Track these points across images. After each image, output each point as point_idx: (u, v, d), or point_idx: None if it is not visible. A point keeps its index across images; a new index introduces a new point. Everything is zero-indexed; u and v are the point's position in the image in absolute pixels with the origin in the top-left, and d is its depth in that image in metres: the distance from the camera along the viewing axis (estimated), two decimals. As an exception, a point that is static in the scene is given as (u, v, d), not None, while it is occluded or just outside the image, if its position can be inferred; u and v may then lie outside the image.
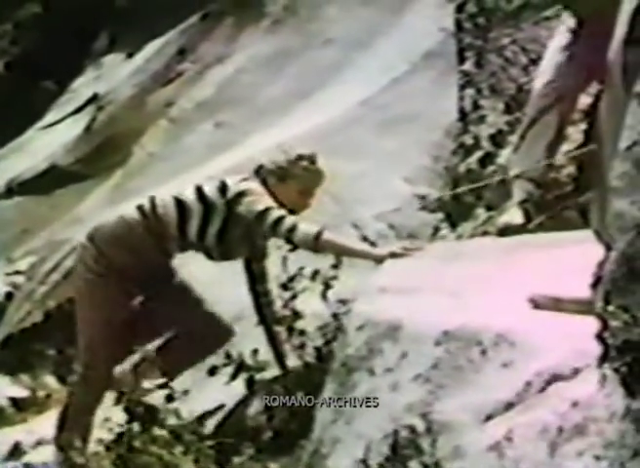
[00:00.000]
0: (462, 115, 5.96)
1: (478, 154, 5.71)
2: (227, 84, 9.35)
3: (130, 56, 11.15)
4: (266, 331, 4.68)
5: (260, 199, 4.47)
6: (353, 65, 8.43)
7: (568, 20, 4.91)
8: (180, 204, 4.63)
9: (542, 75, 4.83)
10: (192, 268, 4.98)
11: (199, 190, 4.64)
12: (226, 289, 5.14)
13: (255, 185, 4.55)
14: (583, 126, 4.81)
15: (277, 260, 4.87)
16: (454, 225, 5.16)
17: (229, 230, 4.56)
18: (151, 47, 10.82)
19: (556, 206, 4.70)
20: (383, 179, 6.40)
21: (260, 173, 4.69)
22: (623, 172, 2.79)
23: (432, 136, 4.92)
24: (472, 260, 4.03)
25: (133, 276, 4.62)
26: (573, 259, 3.46)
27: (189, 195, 4.66)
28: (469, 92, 5.95)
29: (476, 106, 5.91)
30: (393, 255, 4.08)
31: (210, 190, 4.62)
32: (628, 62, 3.03)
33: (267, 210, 4.43)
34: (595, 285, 2.91)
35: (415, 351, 3.18)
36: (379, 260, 4.12)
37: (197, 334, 4.61)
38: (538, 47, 5.56)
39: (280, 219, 4.39)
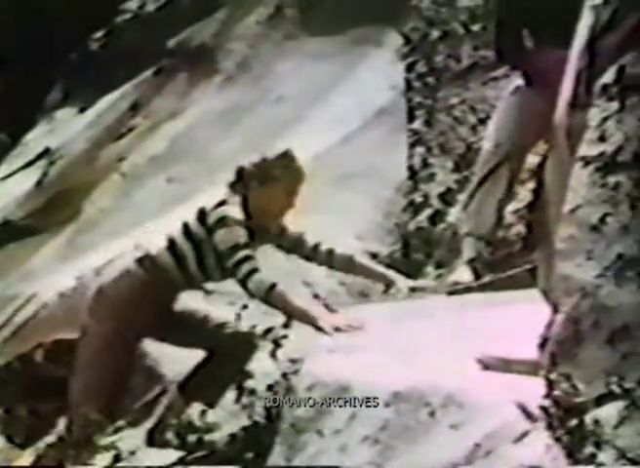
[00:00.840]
0: (412, 173, 6.02)
1: (428, 212, 5.76)
2: (180, 139, 9.35)
3: (82, 110, 11.13)
4: None
5: (231, 232, 4.42)
6: (306, 121, 8.47)
7: (516, 81, 4.99)
8: (171, 246, 4.64)
9: (491, 135, 4.90)
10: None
11: (185, 226, 4.65)
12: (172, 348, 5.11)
13: (231, 211, 4.49)
14: (532, 185, 4.86)
15: (230, 317, 4.85)
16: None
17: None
18: (104, 101, 10.81)
19: (505, 264, 4.74)
20: (335, 236, 6.40)
21: (242, 176, 4.64)
22: (569, 235, 2.82)
23: (384, 193, 4.96)
24: (422, 319, 4.05)
25: (143, 325, 4.71)
26: (522, 319, 3.48)
27: (177, 234, 4.67)
28: (419, 150, 6.01)
29: (426, 164, 5.98)
30: (337, 329, 4.10)
31: (192, 223, 4.64)
32: (572, 126, 3.09)
33: (234, 247, 4.41)
34: (543, 346, 2.94)
35: (364, 412, 3.18)
36: (319, 329, 4.16)
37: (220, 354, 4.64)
38: (486, 107, 5.64)
39: (241, 262, 4.39)
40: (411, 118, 5.94)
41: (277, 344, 4.58)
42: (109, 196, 9.35)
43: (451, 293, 4.62)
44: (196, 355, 4.86)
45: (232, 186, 4.66)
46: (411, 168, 6.01)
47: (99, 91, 10.94)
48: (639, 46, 2.97)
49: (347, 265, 4.73)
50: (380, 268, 4.76)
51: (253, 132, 8.75)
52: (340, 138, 7.65)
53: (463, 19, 6.05)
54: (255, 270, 4.39)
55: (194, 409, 4.32)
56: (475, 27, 5.83)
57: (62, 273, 7.90)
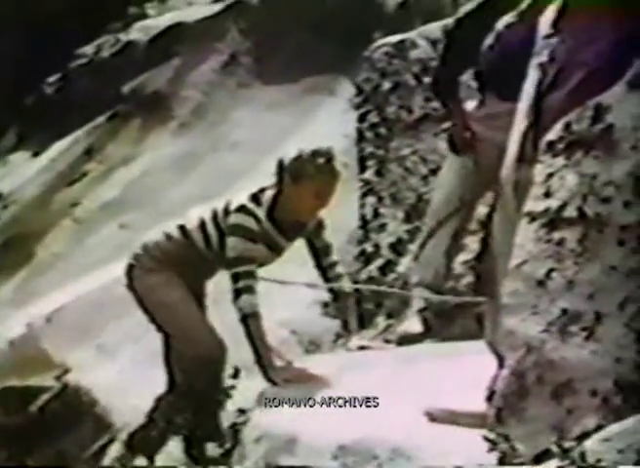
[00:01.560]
0: (364, 223, 6.06)
1: (379, 262, 5.79)
2: (133, 185, 9.34)
3: (36, 154, 11.09)
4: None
5: (238, 242, 4.38)
6: (260, 169, 8.49)
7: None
8: (202, 225, 4.63)
9: (441, 185, 4.94)
10: (92, 377, 4.92)
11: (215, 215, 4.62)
12: (129, 397, 5.08)
13: (245, 220, 4.41)
14: (481, 236, 4.90)
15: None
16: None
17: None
18: (58, 146, 10.78)
19: (455, 315, 4.77)
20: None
21: (279, 172, 4.52)
22: (514, 289, 2.85)
23: (336, 242, 4.97)
24: (370, 370, 4.05)
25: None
26: (470, 370, 3.50)
27: (207, 217, 4.64)
28: (370, 200, 6.05)
29: (377, 214, 6.01)
30: (286, 381, 4.10)
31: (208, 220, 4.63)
32: (519, 181, 3.13)
33: (236, 259, 4.37)
34: (490, 399, 2.95)
35: (311, 465, 3.17)
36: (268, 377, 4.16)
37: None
38: (437, 158, 5.69)
39: (241, 276, 4.35)
40: (362, 168, 5.98)
41: (226, 394, 4.57)
42: (62, 241, 9.31)
43: (400, 344, 4.64)
44: (147, 404, 4.83)
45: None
46: (362, 217, 6.04)
47: (53, 135, 10.91)
48: (583, 103, 3.03)
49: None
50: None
51: (207, 179, 8.77)
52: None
53: (415, 70, 6.12)
54: (250, 289, 4.35)
55: (142, 460, 4.29)
56: (427, 79, 5.89)
57: (13, 319, 7.85)
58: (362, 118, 6.29)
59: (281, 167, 4.49)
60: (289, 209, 4.50)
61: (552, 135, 3.00)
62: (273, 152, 8.60)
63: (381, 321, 5.16)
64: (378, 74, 6.25)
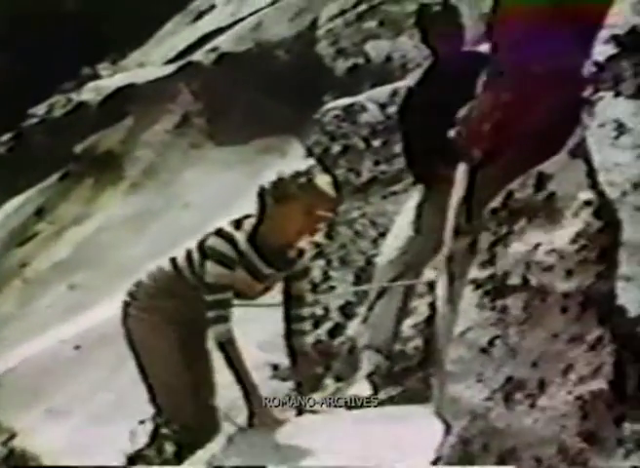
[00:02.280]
0: (313, 285, 6.06)
1: (328, 325, 5.79)
2: (84, 245, 9.32)
3: (-13, 214, 11.05)
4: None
5: (214, 267, 4.27)
6: (212, 227, 8.50)
7: (415, 196, 5.09)
8: (188, 254, 4.54)
9: (390, 248, 4.96)
10: (40, 441, 4.86)
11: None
12: (83, 458, 5.02)
13: (218, 244, 4.29)
14: (429, 299, 4.93)
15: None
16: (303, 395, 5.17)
17: None
18: (9, 206, 10.75)
19: (403, 378, 4.77)
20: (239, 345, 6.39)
21: (261, 194, 4.41)
22: (458, 356, 2.87)
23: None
24: (319, 434, 4.04)
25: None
26: (418, 435, 3.50)
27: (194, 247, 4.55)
28: (319, 262, 6.07)
29: (326, 277, 6.03)
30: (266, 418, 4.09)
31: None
32: (454, 251, 3.16)
33: (211, 286, 4.29)
34: (435, 463, 2.96)
35: None
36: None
37: None
38: (386, 220, 5.73)
39: (216, 304, 4.29)
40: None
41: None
42: (11, 302, 9.24)
43: (349, 407, 4.62)
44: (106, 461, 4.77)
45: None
46: (311, 280, 6.05)
47: (4, 195, 10.87)
48: (526, 171, 3.08)
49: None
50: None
51: (158, 239, 8.75)
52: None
53: (364, 133, 6.17)
54: (223, 319, 4.29)
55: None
56: (376, 143, 5.95)
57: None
58: (312, 181, 6.31)
59: (262, 192, 4.38)
60: (274, 232, 4.38)
61: (496, 202, 3.04)
62: (225, 212, 8.65)
63: (331, 384, 5.16)
64: (327, 137, 6.30)
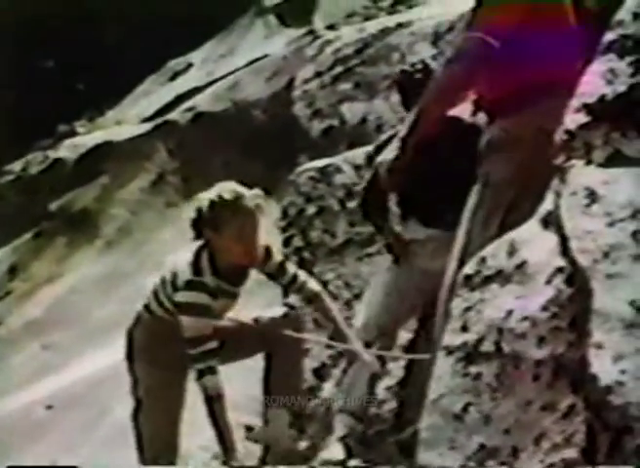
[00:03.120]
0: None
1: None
2: (57, 304, 9.27)
3: (-41, 272, 10.99)
4: None
5: (193, 322, 4.23)
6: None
7: (388, 257, 5.10)
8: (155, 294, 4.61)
9: (364, 311, 4.96)
10: None
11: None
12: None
13: (195, 298, 4.24)
14: (404, 362, 4.92)
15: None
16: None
17: None
18: (-19, 264, 10.71)
19: (378, 441, 4.74)
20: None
21: (196, 226, 4.37)
22: (431, 423, 2.86)
23: (259, 365, 4.95)
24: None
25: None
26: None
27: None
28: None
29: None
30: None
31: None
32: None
33: (194, 340, 4.25)
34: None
35: None
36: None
37: None
38: (360, 282, 5.73)
39: (198, 357, 4.28)
40: (286, 293, 5.98)
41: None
42: (-17, 361, 9.17)
43: (323, 471, 4.59)
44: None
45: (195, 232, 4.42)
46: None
47: (-24, 253, 10.83)
48: (499, 236, 3.11)
49: (315, 301, 4.65)
50: (343, 327, 4.59)
51: (132, 298, 8.71)
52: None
53: (339, 195, 6.19)
54: (212, 370, 4.26)
55: None
56: (351, 204, 5.96)
57: None
58: (286, 242, 6.32)
59: (196, 223, 4.36)
60: (224, 258, 4.33)
61: (469, 268, 3.06)
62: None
63: (302, 445, 5.11)
64: (302, 198, 6.31)
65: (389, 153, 4.21)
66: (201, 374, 4.25)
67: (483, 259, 3.02)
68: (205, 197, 4.32)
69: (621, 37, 3.00)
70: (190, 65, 12.47)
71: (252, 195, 4.36)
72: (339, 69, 8.12)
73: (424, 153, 4.84)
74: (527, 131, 3.30)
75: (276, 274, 4.67)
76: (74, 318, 8.87)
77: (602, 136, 2.89)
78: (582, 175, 2.87)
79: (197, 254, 4.40)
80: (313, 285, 4.69)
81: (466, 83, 3.74)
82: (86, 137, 11.59)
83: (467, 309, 2.96)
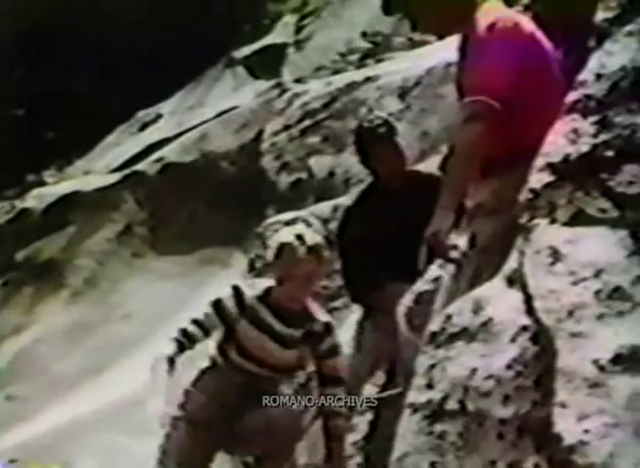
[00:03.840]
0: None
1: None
2: (22, 356, 9.18)
3: None
4: None
5: None
6: (151, 340, 8.43)
7: (356, 312, 5.11)
8: None
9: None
10: None
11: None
12: None
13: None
14: (370, 417, 4.90)
15: None
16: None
17: None
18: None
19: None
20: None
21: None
22: (397, 483, 2.85)
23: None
24: None
25: None
26: None
27: None
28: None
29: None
30: None
31: None
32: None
33: None
34: None
35: None
36: None
37: None
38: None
39: None
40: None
41: None
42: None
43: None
44: None
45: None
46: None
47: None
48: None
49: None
50: None
51: (97, 349, 8.67)
52: (186, 359, 7.61)
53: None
54: None
55: None
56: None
57: None
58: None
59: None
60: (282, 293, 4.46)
61: (434, 326, 3.06)
62: (166, 324, 8.59)
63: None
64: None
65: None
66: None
67: (449, 317, 3.02)
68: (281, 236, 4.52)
69: (585, 97, 3.04)
70: (160, 116, 12.49)
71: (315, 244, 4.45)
72: (307, 122, 8.16)
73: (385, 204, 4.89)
74: (516, 192, 3.31)
75: (326, 353, 4.59)
76: (39, 369, 8.79)
77: (566, 196, 2.91)
78: (546, 233, 2.89)
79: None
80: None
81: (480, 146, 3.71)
82: (54, 187, 11.56)
83: (432, 366, 2.96)
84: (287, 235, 4.49)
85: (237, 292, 4.47)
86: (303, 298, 4.53)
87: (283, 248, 4.41)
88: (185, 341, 4.45)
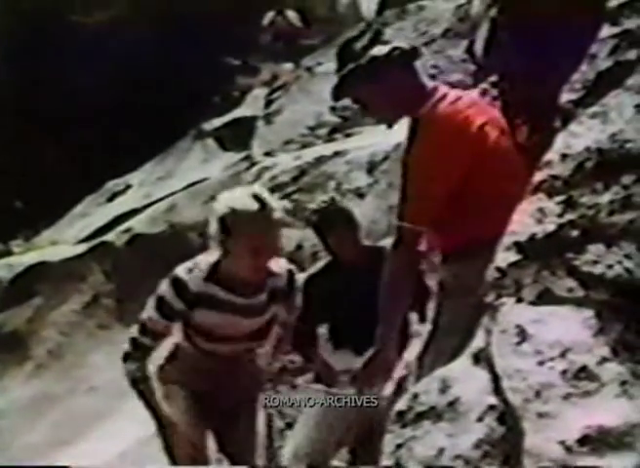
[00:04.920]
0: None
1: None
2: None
3: None
4: None
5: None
6: (116, 414, 8.34)
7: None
8: None
9: (292, 440, 4.92)
10: None
11: None
12: None
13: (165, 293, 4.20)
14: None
15: None
16: None
17: None
18: None
19: None
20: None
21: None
22: None
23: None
24: None
25: None
26: None
27: None
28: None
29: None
30: None
31: None
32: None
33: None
34: None
35: None
36: None
37: None
38: (294, 412, 5.69)
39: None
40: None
41: None
42: None
43: None
44: None
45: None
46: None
47: None
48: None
49: None
50: None
51: (61, 423, 8.56)
52: (152, 434, 7.51)
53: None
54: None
55: None
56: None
57: None
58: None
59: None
60: (232, 266, 4.20)
61: (401, 405, 3.04)
62: (131, 398, 8.51)
63: None
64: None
65: None
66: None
67: (415, 396, 3.01)
68: (228, 201, 4.15)
69: (550, 177, 3.07)
70: (129, 187, 12.49)
71: (277, 207, 4.19)
72: (275, 196, 8.18)
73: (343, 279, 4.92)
74: (477, 277, 3.34)
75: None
76: (1, 443, 8.65)
77: (532, 275, 2.92)
78: (513, 312, 2.89)
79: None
80: None
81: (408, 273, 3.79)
82: (21, 257, 11.49)
83: (399, 446, 2.94)
84: (237, 200, 4.13)
85: (177, 284, 4.21)
86: (266, 265, 4.25)
87: (236, 214, 4.08)
88: (138, 354, 4.32)
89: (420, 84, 3.81)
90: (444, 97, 3.73)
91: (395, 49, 3.80)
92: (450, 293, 3.64)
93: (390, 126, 3.88)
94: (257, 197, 4.13)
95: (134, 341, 4.33)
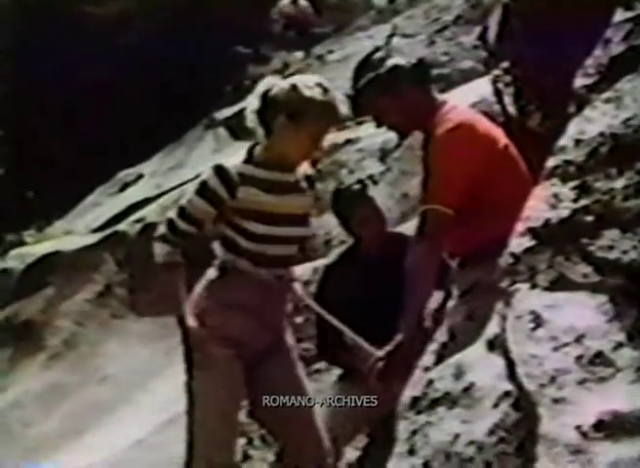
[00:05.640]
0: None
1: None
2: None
3: None
4: None
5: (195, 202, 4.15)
6: (130, 403, 8.36)
7: (336, 372, 5.10)
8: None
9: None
10: None
11: None
12: None
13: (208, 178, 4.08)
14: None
15: None
16: None
17: None
18: None
19: None
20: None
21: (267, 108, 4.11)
22: None
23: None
24: None
25: None
26: None
27: None
28: (240, 441, 5.94)
29: (246, 457, 5.92)
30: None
31: None
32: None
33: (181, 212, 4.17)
34: None
35: None
36: None
37: None
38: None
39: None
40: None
41: None
42: None
43: None
44: None
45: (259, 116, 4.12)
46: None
47: None
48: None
49: None
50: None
51: (74, 413, 8.57)
52: (166, 421, 7.54)
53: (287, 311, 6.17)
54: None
55: None
56: (298, 320, 5.95)
57: None
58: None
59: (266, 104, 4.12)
60: (275, 158, 4.14)
61: (416, 391, 3.05)
62: (144, 386, 8.53)
63: None
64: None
65: None
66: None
67: (430, 382, 3.01)
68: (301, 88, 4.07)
69: (564, 163, 3.06)
70: (141, 176, 12.49)
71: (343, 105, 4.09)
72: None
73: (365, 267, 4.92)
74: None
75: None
76: (15, 433, 8.67)
77: (546, 261, 2.92)
78: (528, 298, 2.89)
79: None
80: None
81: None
82: (34, 247, 11.50)
83: (414, 432, 2.94)
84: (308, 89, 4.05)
85: (220, 170, 4.09)
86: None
87: (307, 102, 4.00)
88: (172, 237, 4.19)
89: (432, 98, 3.91)
90: (454, 107, 3.84)
91: (410, 63, 3.92)
92: (479, 292, 3.65)
93: (402, 137, 3.98)
94: (324, 88, 4.08)
95: (170, 223, 4.19)
